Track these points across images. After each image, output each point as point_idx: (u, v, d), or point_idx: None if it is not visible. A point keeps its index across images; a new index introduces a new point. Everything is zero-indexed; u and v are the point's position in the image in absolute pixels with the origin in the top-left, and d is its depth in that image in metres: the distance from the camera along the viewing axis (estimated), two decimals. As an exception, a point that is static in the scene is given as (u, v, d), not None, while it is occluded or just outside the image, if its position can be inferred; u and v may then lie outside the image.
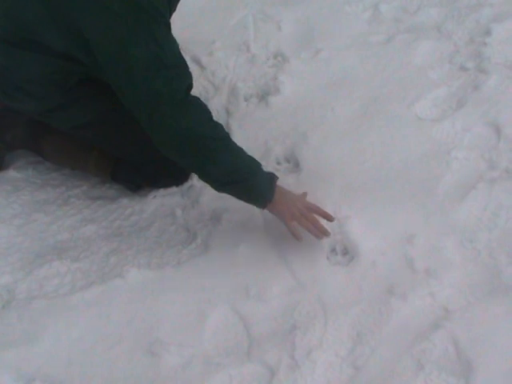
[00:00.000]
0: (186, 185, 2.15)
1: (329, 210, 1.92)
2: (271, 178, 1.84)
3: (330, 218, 1.85)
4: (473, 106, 2.26)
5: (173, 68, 1.68)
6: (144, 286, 1.78)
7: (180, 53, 1.75)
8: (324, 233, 1.83)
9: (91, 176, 2.23)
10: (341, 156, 2.15)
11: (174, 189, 2.14)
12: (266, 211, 1.87)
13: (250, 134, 2.29)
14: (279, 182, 1.87)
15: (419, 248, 1.81)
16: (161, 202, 2.09)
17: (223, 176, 1.76)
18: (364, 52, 2.62)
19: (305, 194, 1.92)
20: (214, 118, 1.77)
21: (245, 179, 1.76)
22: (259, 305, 1.72)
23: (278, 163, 2.20)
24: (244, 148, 2.19)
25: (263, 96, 2.45)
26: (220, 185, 1.78)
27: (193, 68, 2.63)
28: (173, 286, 1.79)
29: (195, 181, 2.15)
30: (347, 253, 1.86)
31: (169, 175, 2.13)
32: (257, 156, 2.15)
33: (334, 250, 1.88)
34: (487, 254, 1.77)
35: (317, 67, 2.56)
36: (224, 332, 1.68)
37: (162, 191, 2.13)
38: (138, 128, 1.85)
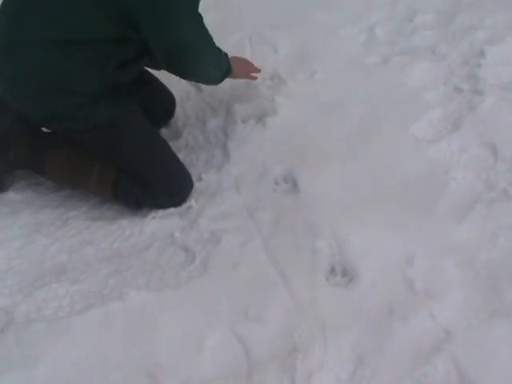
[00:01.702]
0: (185, 206, 2.15)
1: (327, 230, 1.95)
2: (226, 53, 2.32)
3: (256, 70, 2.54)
4: (469, 127, 2.28)
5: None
6: (143, 307, 1.76)
7: None
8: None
9: (90, 196, 2.23)
10: (339, 176, 2.16)
11: (172, 210, 2.13)
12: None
13: (247, 156, 2.30)
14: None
15: (419, 269, 1.80)
16: (159, 223, 2.09)
17: (221, 74, 2.31)
18: (359, 74, 2.65)
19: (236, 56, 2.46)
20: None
21: (230, 68, 2.31)
22: (258, 327, 1.71)
23: (277, 184, 2.20)
24: (242, 170, 2.22)
25: (260, 117, 2.47)
26: (220, 80, 2.35)
27: (190, 90, 2.66)
28: (172, 307, 1.77)
29: (193, 202, 2.15)
30: (347, 274, 1.85)
31: (169, 191, 2.14)
32: (254, 177, 2.19)
33: (333, 271, 1.87)
34: (487, 275, 1.77)
35: (313, 89, 2.59)
36: (223, 354, 1.66)
37: (160, 212, 2.12)
38: (151, 135, 2.09)
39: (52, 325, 1.71)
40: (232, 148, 2.34)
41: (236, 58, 2.43)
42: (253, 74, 2.52)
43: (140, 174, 2.15)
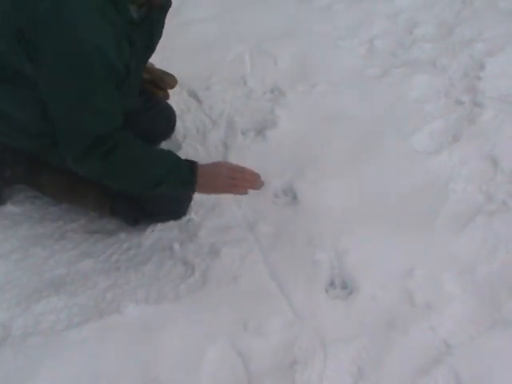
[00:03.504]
0: (184, 219, 2.13)
1: (327, 243, 1.94)
2: (190, 167, 1.81)
3: (255, 177, 1.84)
4: (469, 139, 2.29)
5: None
6: (142, 321, 1.75)
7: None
8: (257, 186, 1.84)
9: (89, 210, 2.22)
10: (338, 189, 2.15)
11: (172, 223, 2.12)
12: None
13: (247, 168, 2.29)
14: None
15: (419, 281, 1.80)
16: (159, 235, 2.07)
17: (144, 188, 1.85)
18: (360, 86, 2.66)
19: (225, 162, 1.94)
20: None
21: (163, 181, 1.79)
22: (258, 339, 1.70)
23: (276, 196, 2.19)
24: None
25: (260, 130, 2.47)
26: (142, 193, 1.90)
27: (190, 102, 2.65)
28: (171, 321, 1.76)
29: (193, 214, 2.14)
30: (346, 286, 1.85)
31: (168, 210, 2.12)
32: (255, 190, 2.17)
33: (332, 284, 1.87)
34: (487, 287, 1.77)
35: (313, 101, 2.59)
36: (222, 368, 1.65)
37: (159, 225, 2.10)
38: None
39: (49, 338, 1.70)
40: (232, 160, 2.32)
41: (216, 165, 1.89)
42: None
43: (138, 197, 2.07)
